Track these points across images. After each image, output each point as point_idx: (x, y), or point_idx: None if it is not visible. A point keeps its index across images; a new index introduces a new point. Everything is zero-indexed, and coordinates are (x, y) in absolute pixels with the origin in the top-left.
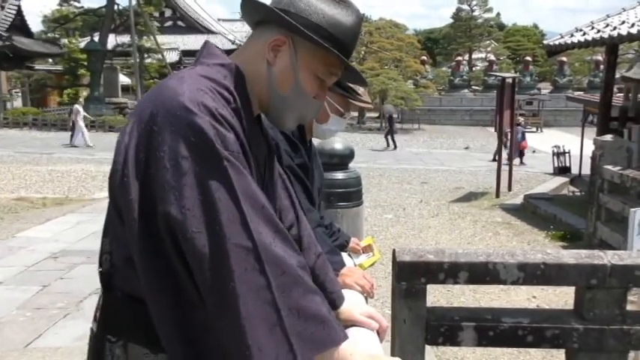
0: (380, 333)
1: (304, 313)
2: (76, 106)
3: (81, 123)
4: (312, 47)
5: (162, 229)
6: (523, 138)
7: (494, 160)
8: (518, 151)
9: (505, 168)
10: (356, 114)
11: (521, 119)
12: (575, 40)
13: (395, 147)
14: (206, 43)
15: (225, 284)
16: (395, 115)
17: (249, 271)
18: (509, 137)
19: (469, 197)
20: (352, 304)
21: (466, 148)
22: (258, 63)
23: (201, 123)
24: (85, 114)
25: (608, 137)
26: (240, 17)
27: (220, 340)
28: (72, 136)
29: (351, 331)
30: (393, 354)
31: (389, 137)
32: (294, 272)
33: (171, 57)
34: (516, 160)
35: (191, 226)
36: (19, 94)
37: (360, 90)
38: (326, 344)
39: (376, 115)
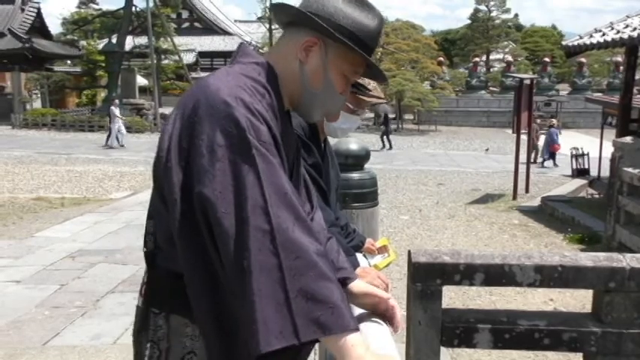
0: (394, 325)
1: (313, 296)
2: (112, 107)
3: (115, 125)
4: (340, 48)
5: (197, 208)
6: (556, 140)
7: (534, 161)
8: (550, 152)
9: (523, 170)
10: (372, 115)
11: (554, 121)
12: (594, 40)
13: (390, 147)
14: (241, 44)
15: (241, 262)
16: (391, 115)
17: (264, 251)
18: (538, 138)
19: (486, 199)
20: (361, 279)
21: (486, 150)
22: (291, 62)
23: (237, 115)
24: (120, 116)
25: (628, 139)
26: (257, 19)
27: (235, 315)
28: (117, 137)
29: (362, 328)
30: (408, 355)
31: (384, 138)
32: (309, 257)
33: (188, 58)
34: (549, 162)
35: (221, 207)
36: (38, 95)
37: (370, 85)
38: (331, 329)
39: (392, 116)
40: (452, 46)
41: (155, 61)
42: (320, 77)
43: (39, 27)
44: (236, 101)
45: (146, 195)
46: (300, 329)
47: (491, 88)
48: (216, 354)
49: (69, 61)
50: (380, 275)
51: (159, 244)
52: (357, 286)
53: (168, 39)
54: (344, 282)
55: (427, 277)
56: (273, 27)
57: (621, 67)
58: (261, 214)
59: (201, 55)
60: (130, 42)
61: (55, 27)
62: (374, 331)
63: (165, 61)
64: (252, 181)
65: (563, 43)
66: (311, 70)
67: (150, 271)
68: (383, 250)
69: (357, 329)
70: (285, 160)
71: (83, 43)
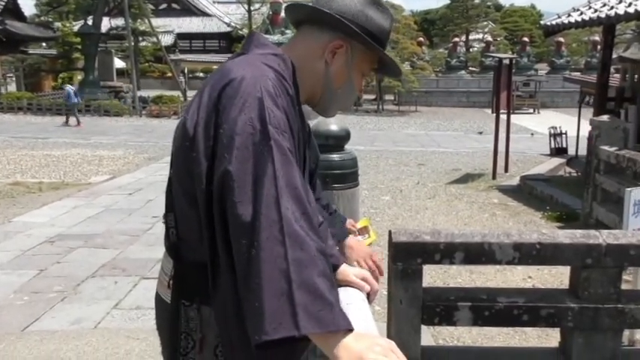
0: (370, 295)
1: (315, 291)
2: None
3: None
4: (363, 49)
5: (215, 194)
6: None
7: None
8: None
9: (503, 149)
10: None
11: None
12: (572, 20)
13: None
14: (254, 33)
15: (249, 249)
16: (369, 96)
17: (271, 240)
18: None
19: (466, 179)
20: (347, 266)
21: (480, 132)
22: (314, 61)
23: (259, 105)
24: None
25: (605, 118)
26: (235, 0)
27: (240, 300)
28: None
29: (339, 293)
30: (389, 334)
31: None
32: (313, 252)
33: (167, 40)
34: None
35: (236, 194)
36: (13, 78)
37: None
38: (329, 325)
39: (373, 97)
40: (431, 26)
41: (133, 43)
42: (343, 77)
43: (12, 8)
44: (260, 91)
45: (125, 179)
46: (301, 321)
47: (470, 68)
48: (235, 338)
49: (44, 44)
50: (373, 257)
51: (181, 236)
52: (340, 273)
53: (146, 20)
54: (333, 268)
55: (408, 257)
56: (251, 8)
57: (599, 47)
58: (272, 203)
59: (180, 36)
60: (106, 24)
61: (28, 8)
62: (350, 294)
63: (143, 43)
64: (267, 171)
65: (542, 22)
66: (335, 71)
67: (176, 264)
68: (363, 230)
69: (351, 328)
70: (300, 150)
71: (58, 24)
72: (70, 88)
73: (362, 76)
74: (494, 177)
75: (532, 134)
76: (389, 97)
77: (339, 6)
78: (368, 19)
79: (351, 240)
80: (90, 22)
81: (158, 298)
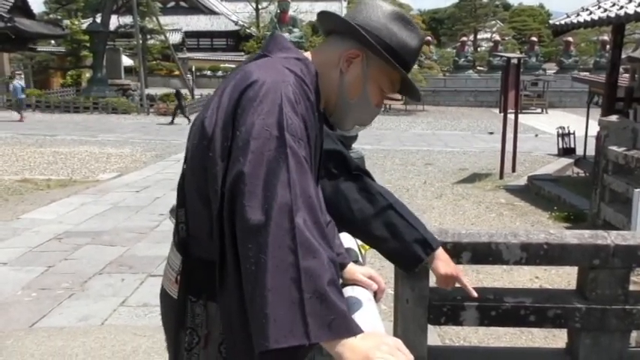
0: (377, 294)
1: (326, 300)
2: None
3: None
4: (381, 63)
5: (226, 196)
6: None
7: None
8: None
9: (510, 149)
10: None
11: None
12: (581, 19)
13: (189, 121)
14: (276, 35)
15: (258, 255)
16: (184, 91)
17: (282, 248)
18: None
19: (473, 178)
20: (354, 264)
21: (490, 133)
22: (331, 69)
23: (278, 111)
24: None
25: (614, 118)
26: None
27: (245, 305)
28: None
29: (346, 292)
30: (395, 333)
31: (178, 112)
32: (324, 261)
33: (174, 38)
34: None
35: (247, 199)
36: (22, 75)
37: None
38: (342, 333)
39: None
40: (439, 25)
41: (141, 41)
42: (358, 88)
43: (21, 6)
44: (280, 97)
45: (133, 177)
46: (312, 330)
47: (478, 67)
48: (239, 340)
49: (52, 41)
50: (374, 276)
51: (191, 233)
52: (348, 272)
53: (154, 18)
54: (341, 267)
55: None
56: (259, 6)
57: (608, 46)
58: (285, 212)
59: (188, 34)
60: (114, 22)
61: (37, 6)
62: (357, 293)
63: (151, 41)
64: (281, 178)
65: (551, 21)
66: (350, 80)
67: (184, 260)
68: None
69: (361, 331)
70: (315, 155)
71: (67, 22)
72: (17, 83)
73: (380, 92)
74: (501, 177)
75: (536, 135)
76: (396, 96)
77: (363, 17)
78: (390, 33)
79: (442, 253)
80: (98, 20)
81: (164, 293)
